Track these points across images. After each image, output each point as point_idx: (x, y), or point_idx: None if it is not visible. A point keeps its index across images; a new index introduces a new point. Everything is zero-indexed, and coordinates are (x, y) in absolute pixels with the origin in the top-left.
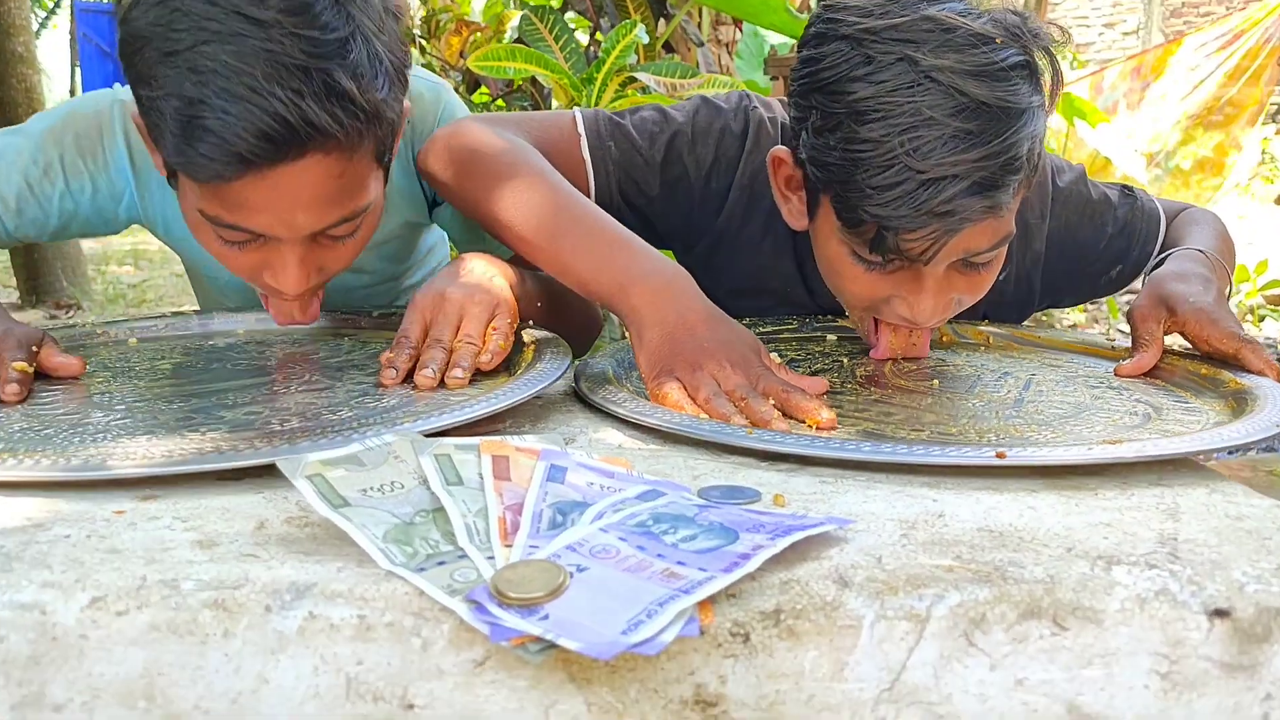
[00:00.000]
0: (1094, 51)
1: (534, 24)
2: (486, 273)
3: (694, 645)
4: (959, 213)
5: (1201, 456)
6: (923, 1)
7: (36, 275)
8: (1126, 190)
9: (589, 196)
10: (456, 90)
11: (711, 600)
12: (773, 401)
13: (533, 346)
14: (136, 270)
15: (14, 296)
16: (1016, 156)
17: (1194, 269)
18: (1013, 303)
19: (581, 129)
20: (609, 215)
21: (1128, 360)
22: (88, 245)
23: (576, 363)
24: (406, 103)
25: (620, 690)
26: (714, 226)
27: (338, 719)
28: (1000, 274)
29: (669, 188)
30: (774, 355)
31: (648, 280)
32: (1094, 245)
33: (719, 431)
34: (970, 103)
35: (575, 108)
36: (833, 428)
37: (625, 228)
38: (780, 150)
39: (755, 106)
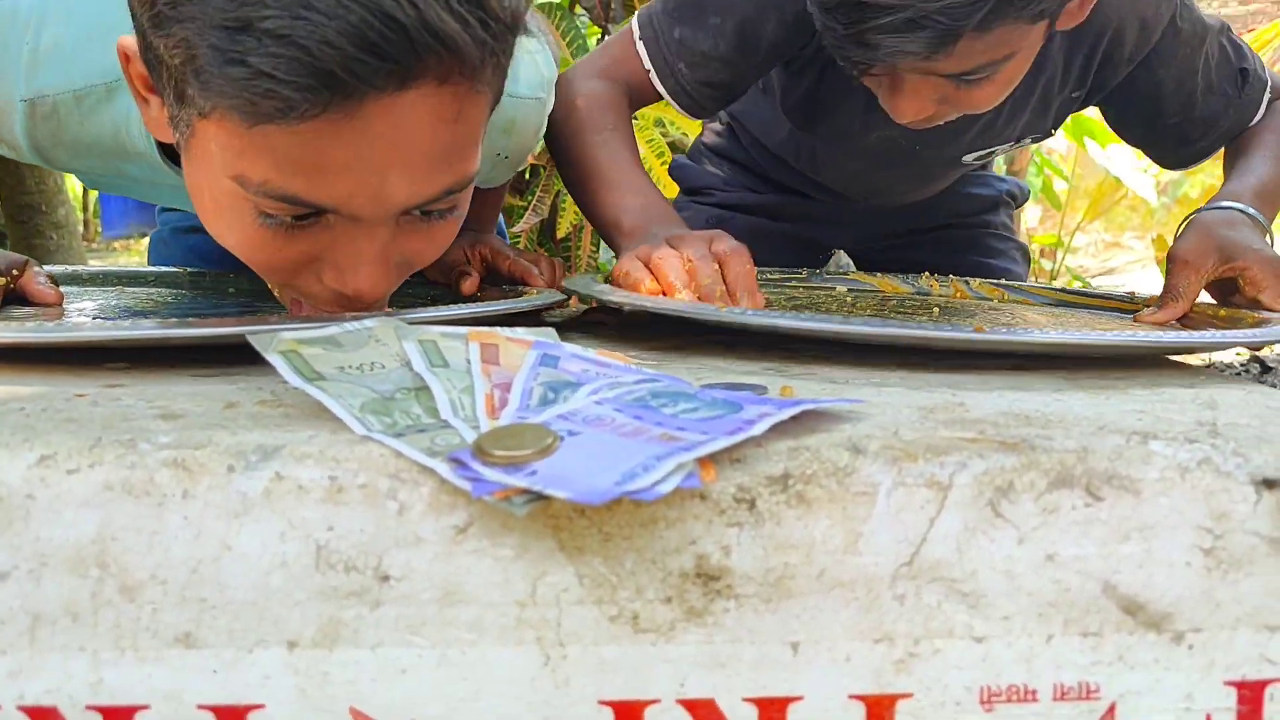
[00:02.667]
0: None
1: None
2: None
3: (695, 512)
4: (883, 47)
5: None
6: None
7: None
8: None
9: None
10: None
11: (714, 460)
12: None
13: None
14: None
15: None
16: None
17: (1242, 221)
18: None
19: (648, 65)
20: (629, 163)
21: (1152, 309)
22: None
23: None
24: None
25: (615, 561)
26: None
27: (307, 591)
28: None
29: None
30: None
31: (636, 215)
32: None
33: (691, 308)
34: None
35: (633, 33)
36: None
37: (640, 175)
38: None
39: None
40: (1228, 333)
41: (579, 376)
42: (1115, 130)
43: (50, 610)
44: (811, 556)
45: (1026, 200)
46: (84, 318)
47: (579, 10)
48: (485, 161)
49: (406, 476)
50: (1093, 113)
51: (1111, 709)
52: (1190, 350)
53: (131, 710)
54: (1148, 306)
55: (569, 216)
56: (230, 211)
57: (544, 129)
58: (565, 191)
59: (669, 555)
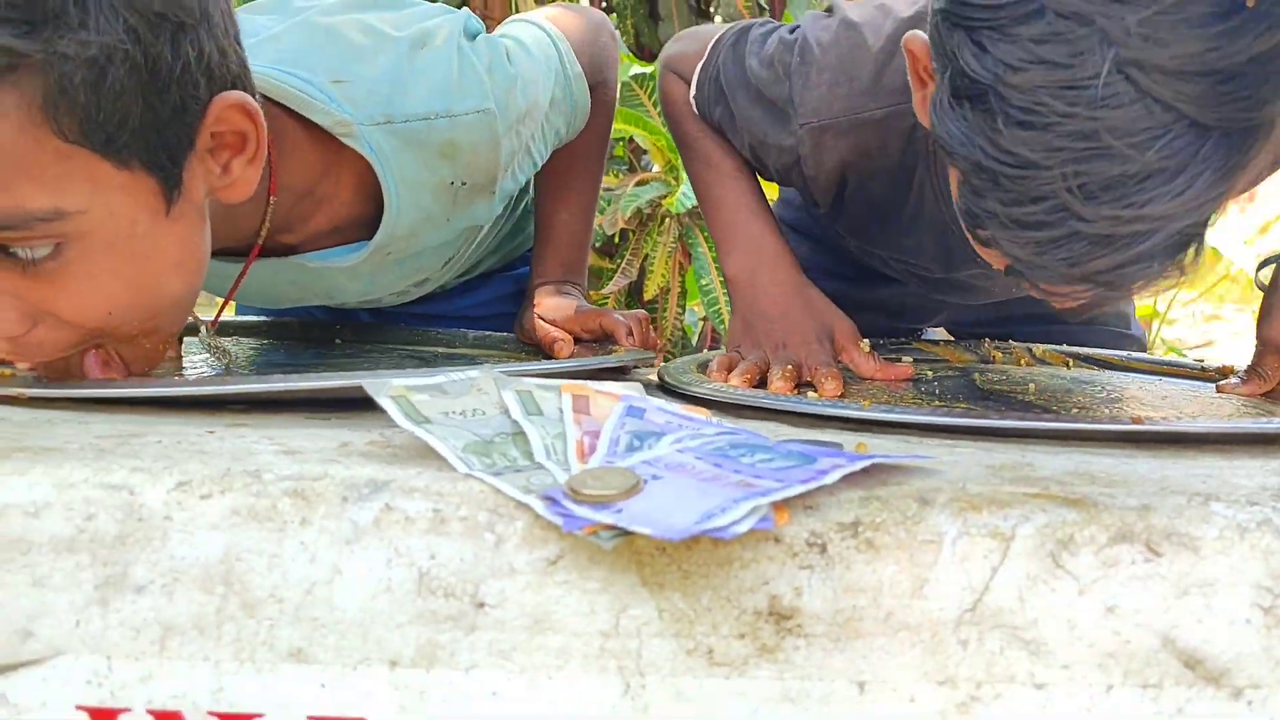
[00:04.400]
0: None
1: (633, 89)
2: None
3: (769, 554)
4: (1122, 283)
5: None
6: None
7: None
8: None
9: None
10: None
11: (788, 505)
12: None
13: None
14: None
15: None
16: (1226, 192)
17: None
18: None
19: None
20: (741, 188)
21: (1234, 379)
22: None
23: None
24: (233, 98)
25: (693, 597)
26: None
27: (408, 614)
28: None
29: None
30: (865, 342)
31: (740, 248)
32: None
33: (743, 395)
34: (1176, 123)
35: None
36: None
37: (751, 199)
38: (916, 40)
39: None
40: None
41: (663, 427)
42: None
43: (180, 622)
44: (879, 600)
45: None
46: (210, 370)
47: None
48: (441, 193)
49: (504, 511)
50: None
51: None
52: None
53: (248, 718)
54: (1223, 376)
55: (656, 279)
56: None
57: (508, 147)
58: (653, 254)
59: (744, 594)
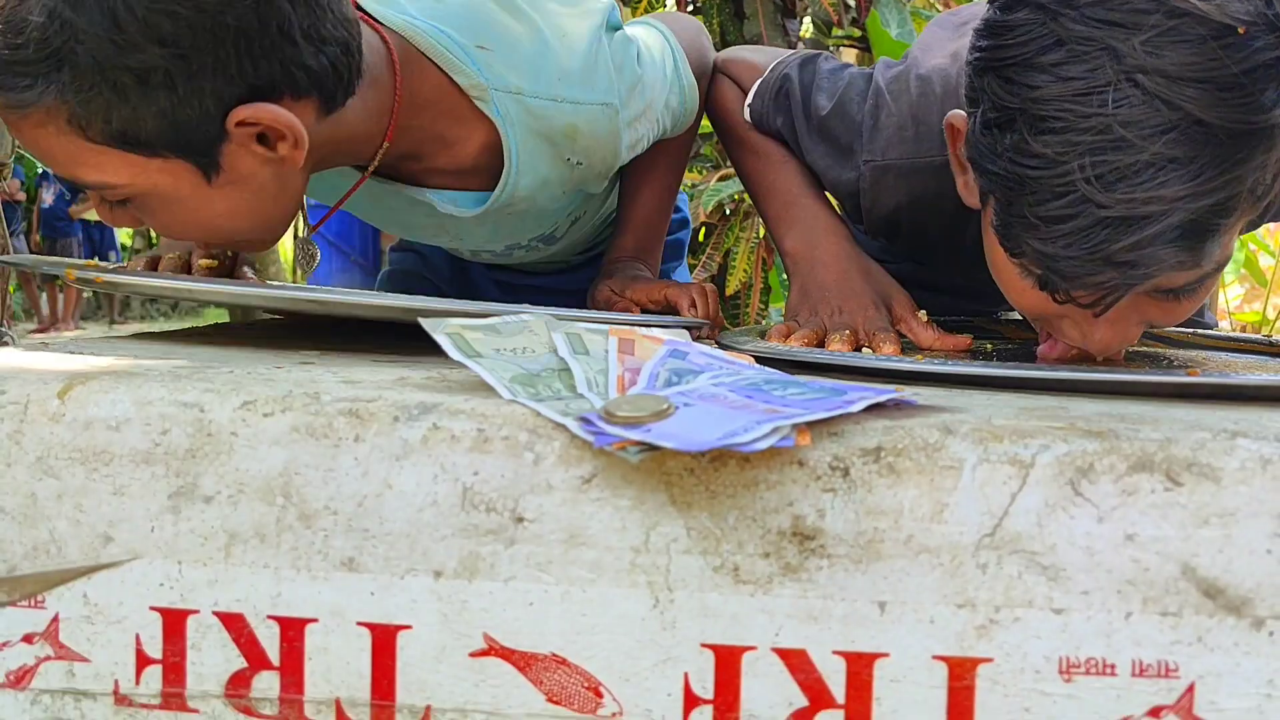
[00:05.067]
0: None
1: None
2: None
3: (793, 477)
4: (1142, 265)
5: None
6: None
7: None
8: None
9: None
10: None
11: (810, 428)
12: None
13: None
14: None
15: None
16: (1236, 194)
17: None
18: None
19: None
20: (791, 170)
21: None
22: None
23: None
24: (245, 113)
25: (719, 516)
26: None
27: (452, 527)
28: None
29: None
30: (922, 312)
31: (797, 226)
32: None
33: (801, 353)
34: (1183, 120)
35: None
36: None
37: (804, 180)
38: (958, 117)
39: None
40: None
41: (703, 367)
42: None
43: (243, 531)
44: (900, 523)
45: None
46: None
47: None
48: (559, 165)
49: (543, 431)
50: None
51: (1190, 689)
52: None
53: (303, 622)
54: None
55: (739, 274)
56: None
57: (628, 140)
58: (736, 249)
59: (768, 514)
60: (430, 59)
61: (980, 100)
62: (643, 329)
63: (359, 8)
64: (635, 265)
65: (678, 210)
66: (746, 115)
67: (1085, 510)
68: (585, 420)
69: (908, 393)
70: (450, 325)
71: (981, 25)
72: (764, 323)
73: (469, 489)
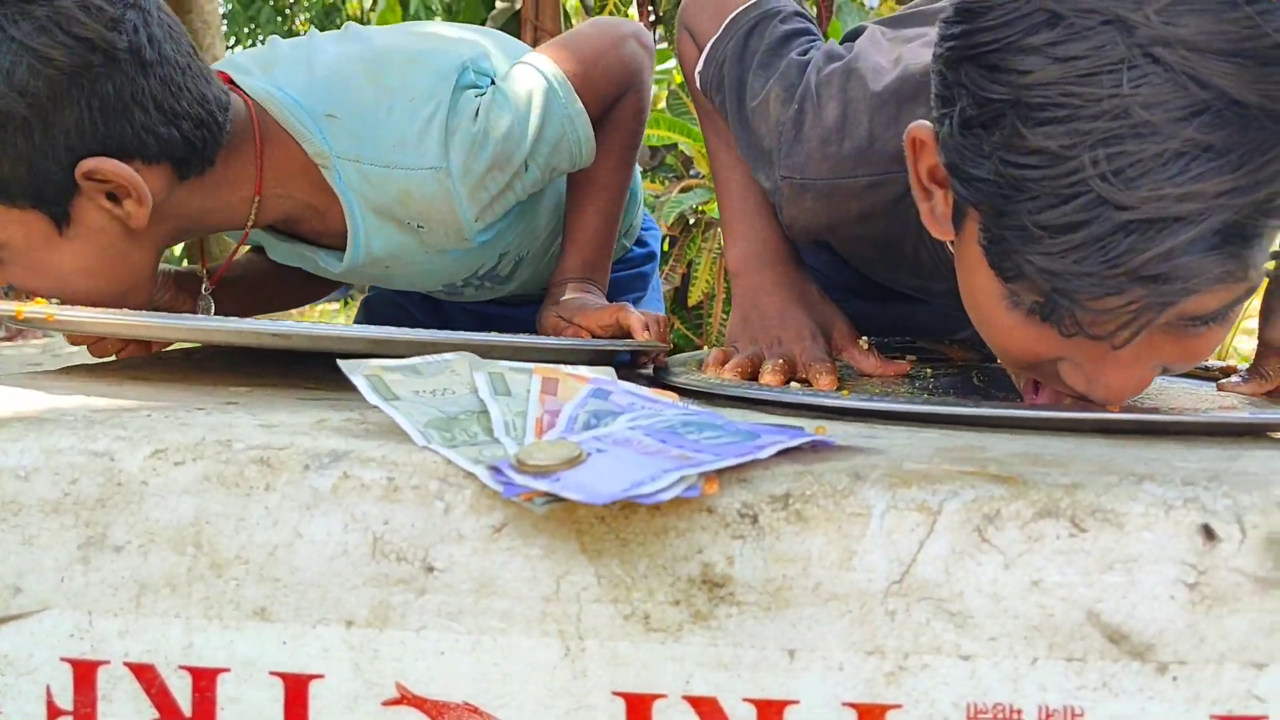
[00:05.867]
0: None
1: (680, 99)
2: None
3: (702, 524)
4: (1180, 278)
5: None
6: None
7: None
8: None
9: None
10: None
11: (719, 476)
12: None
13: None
14: None
15: None
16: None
17: None
18: None
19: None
20: (744, 169)
21: (1235, 378)
22: None
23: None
24: (89, 165)
25: (630, 564)
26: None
27: (363, 576)
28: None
29: None
30: (863, 340)
31: (743, 243)
32: None
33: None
34: (1216, 100)
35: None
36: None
37: (758, 187)
38: (921, 129)
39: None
40: None
41: (623, 408)
42: None
43: (154, 580)
44: (808, 570)
45: None
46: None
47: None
48: (405, 230)
49: (454, 480)
50: None
51: None
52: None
53: (215, 672)
54: (1225, 375)
55: (700, 286)
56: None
57: (473, 200)
58: (697, 261)
59: (678, 562)
60: (284, 128)
61: (956, 98)
62: (568, 368)
63: (230, 81)
64: (584, 284)
65: (645, 244)
66: (698, 84)
67: (992, 557)
68: (495, 469)
69: (830, 430)
70: (370, 367)
71: (950, 12)
72: (726, 328)
73: (379, 538)
